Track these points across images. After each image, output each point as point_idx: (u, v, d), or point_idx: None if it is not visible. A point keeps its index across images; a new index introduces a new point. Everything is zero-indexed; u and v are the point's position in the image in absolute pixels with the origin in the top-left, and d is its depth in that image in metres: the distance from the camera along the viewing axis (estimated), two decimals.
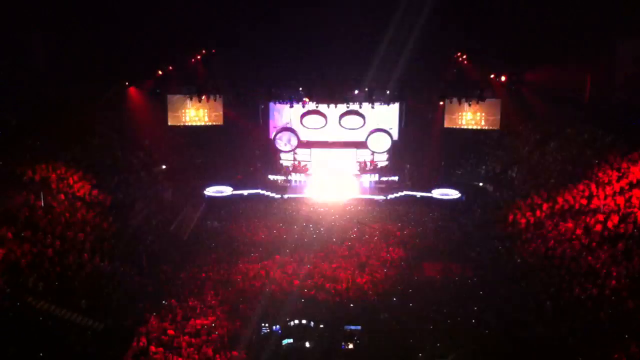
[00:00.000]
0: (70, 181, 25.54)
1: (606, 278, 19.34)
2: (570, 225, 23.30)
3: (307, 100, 33.63)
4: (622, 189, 23.57)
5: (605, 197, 23.55)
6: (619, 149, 26.21)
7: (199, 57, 33.47)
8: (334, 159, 34.98)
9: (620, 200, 22.82)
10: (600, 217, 22.50)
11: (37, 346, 16.51)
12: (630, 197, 22.67)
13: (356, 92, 33.58)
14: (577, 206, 24.36)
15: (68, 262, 20.30)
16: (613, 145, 26.92)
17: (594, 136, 28.46)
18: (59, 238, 21.13)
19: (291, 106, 34.18)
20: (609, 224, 21.87)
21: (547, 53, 30.10)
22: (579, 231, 22.57)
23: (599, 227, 22.09)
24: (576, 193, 25.06)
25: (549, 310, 19.32)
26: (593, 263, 20.36)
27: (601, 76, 29.67)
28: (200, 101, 33.47)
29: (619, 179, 24.20)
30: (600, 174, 25.31)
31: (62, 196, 24.15)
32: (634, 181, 23.48)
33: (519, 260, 23.15)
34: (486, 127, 33.68)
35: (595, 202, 23.70)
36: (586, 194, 24.61)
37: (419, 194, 31.78)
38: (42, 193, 22.90)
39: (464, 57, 33.34)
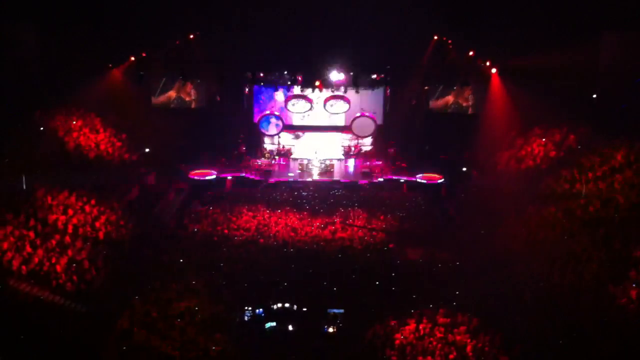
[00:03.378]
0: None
1: (587, 262, 19.53)
2: (552, 209, 23.48)
3: (291, 84, 33.53)
4: (604, 173, 23.78)
5: (588, 182, 23.75)
6: (602, 134, 26.40)
7: (183, 39, 33.21)
8: (319, 143, 34.95)
9: (603, 185, 23.02)
10: (582, 202, 22.70)
11: (18, 329, 16.44)
12: (613, 182, 22.88)
13: (341, 76, 33.54)
14: (559, 190, 24.56)
15: (50, 245, 20.21)
16: (596, 131, 27.13)
17: (577, 122, 28.64)
18: (41, 221, 21.02)
19: (276, 90, 34.08)
20: (591, 209, 22.08)
21: (531, 40, 30.15)
22: (560, 215, 22.76)
23: (580, 212, 22.30)
24: (558, 178, 25.25)
25: (528, 296, 19.50)
26: (574, 247, 20.55)
27: (585, 63, 29.82)
28: (184, 84, 33.25)
29: (601, 164, 24.38)
30: (582, 160, 25.49)
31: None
32: (616, 166, 23.70)
33: (500, 245, 23.33)
34: (470, 112, 33.83)
35: (577, 187, 23.90)
36: (569, 178, 24.80)
37: (402, 179, 31.88)
38: (23, 176, 22.74)
39: (449, 42, 33.32)
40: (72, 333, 17.27)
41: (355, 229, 25.78)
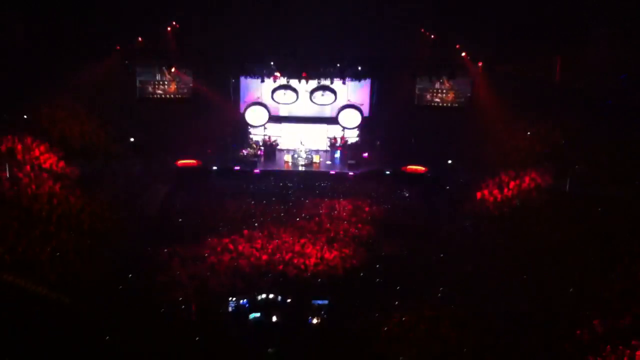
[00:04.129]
0: (37, 152, 25.20)
1: (572, 256, 19.72)
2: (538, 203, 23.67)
3: (278, 75, 33.44)
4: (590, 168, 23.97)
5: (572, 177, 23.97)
6: (586, 129, 26.56)
7: (169, 29, 33.01)
8: (305, 134, 34.94)
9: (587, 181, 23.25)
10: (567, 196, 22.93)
11: (1, 318, 16.35)
12: (598, 177, 23.09)
13: (328, 67, 33.51)
14: (543, 185, 24.73)
15: (34, 235, 20.09)
16: (581, 126, 27.29)
17: (562, 117, 28.78)
18: (25, 210, 20.90)
19: (262, 81, 33.98)
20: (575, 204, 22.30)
21: (518, 33, 30.22)
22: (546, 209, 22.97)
23: (564, 206, 22.51)
24: (543, 171, 25.43)
25: (513, 287, 19.65)
26: (560, 239, 20.73)
27: (573, 58, 29.95)
28: (170, 74, 33.08)
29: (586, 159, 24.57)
30: (568, 154, 25.66)
31: (28, 167, 23.84)
32: (604, 162, 23.88)
33: (486, 238, 23.47)
34: (456, 105, 33.91)
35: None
36: (554, 172, 24.98)
37: (388, 171, 31.92)
38: (7, 164, 22.59)
39: (436, 35, 33.33)
40: (55, 326, 17.19)
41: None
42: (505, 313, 18.32)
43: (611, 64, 27.92)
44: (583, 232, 20.69)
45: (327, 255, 22.45)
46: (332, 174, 32.21)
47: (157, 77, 33.29)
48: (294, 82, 33.93)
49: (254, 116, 34.70)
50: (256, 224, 25.39)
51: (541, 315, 17.82)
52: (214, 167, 31.72)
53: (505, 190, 25.84)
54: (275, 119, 35.01)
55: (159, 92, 33.63)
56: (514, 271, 20.46)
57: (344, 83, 33.71)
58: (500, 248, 22.27)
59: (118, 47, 31.51)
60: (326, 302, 19.50)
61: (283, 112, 35.22)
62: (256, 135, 35.19)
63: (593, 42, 29.56)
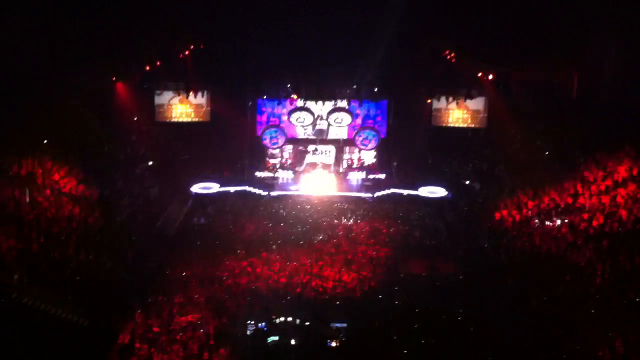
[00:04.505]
0: (57, 176, 25.40)
1: (591, 276, 19.50)
2: (556, 223, 23.45)
3: (295, 97, 33.60)
4: (607, 187, 23.74)
5: (591, 197, 23.73)
6: (606, 147, 26.36)
7: (187, 52, 33.34)
8: (322, 156, 34.97)
9: (606, 199, 22.99)
10: (585, 216, 22.68)
11: (21, 342, 16.39)
12: (615, 196, 22.85)
13: (345, 89, 33.67)
14: (562, 205, 24.53)
15: (54, 257, 20.19)
16: (600, 144, 27.08)
17: (581, 134, 28.59)
18: (45, 233, 21.02)
19: (279, 103, 34.13)
20: (594, 223, 22.05)
21: (534, 49, 30.19)
22: (564, 229, 22.73)
23: (584, 226, 22.27)
24: (562, 191, 25.23)
25: (534, 307, 19.44)
26: (578, 261, 20.51)
27: (589, 73, 29.82)
28: (187, 97, 33.37)
29: (604, 178, 24.35)
30: (586, 173, 25.45)
31: (48, 191, 24.02)
32: (619, 180, 23.66)
33: (504, 258, 23.29)
34: (473, 125, 33.85)
35: (580, 201, 23.88)
36: (571, 192, 24.78)
37: (405, 192, 31.82)
38: (27, 188, 22.78)
39: (452, 55, 33.39)
40: (74, 346, 17.23)
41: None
42: (525, 332, 18.13)
43: (628, 76, 27.81)
44: (602, 252, 20.46)
45: (345, 277, 22.36)
46: (349, 195, 32.13)
47: (175, 100, 33.57)
48: (310, 104, 34.04)
49: (271, 138, 34.76)
50: (274, 247, 25.37)
51: (562, 335, 17.60)
52: (232, 190, 31.75)
53: (524, 210, 25.65)
54: (292, 141, 35.07)
55: (177, 114, 33.89)
56: (534, 291, 20.24)
57: (360, 105, 33.73)
58: (519, 267, 22.07)
59: (137, 70, 31.79)
60: (345, 324, 19.35)
61: (300, 134, 35.25)
62: (273, 157, 35.20)
63: (611, 57, 29.47)
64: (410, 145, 34.86)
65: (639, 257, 19.20)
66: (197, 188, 31.50)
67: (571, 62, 29.96)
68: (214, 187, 31.71)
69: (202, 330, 18.58)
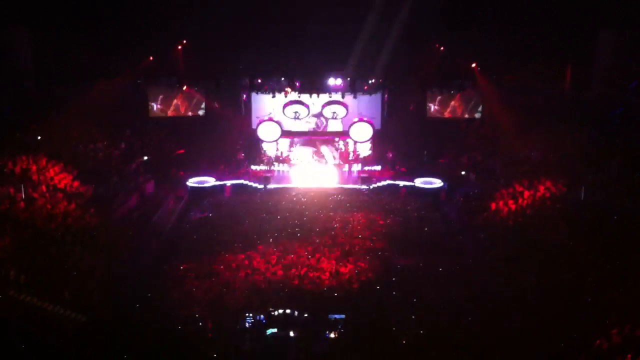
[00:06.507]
0: (51, 173, 25.37)
1: (588, 266, 19.55)
2: (552, 213, 23.51)
3: (289, 90, 33.57)
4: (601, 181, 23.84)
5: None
6: (597, 140, 26.46)
7: (179, 47, 33.26)
8: (316, 148, 34.97)
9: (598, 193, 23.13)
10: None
11: (17, 339, 16.38)
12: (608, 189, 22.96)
13: (339, 81, 33.66)
14: (557, 194, 24.60)
15: (49, 254, 20.15)
16: (591, 137, 27.18)
17: (572, 127, 28.66)
18: (40, 230, 20.99)
19: (273, 96, 34.09)
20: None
21: (528, 44, 30.24)
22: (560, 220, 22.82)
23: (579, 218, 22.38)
24: (557, 181, 25.30)
25: (530, 298, 19.48)
26: (575, 251, 20.57)
27: (581, 68, 29.89)
28: (181, 92, 33.32)
29: (597, 172, 24.44)
30: (578, 166, 25.56)
31: (43, 188, 23.98)
32: (613, 174, 23.75)
33: (500, 249, 23.33)
34: (467, 117, 33.94)
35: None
36: (566, 182, 24.85)
37: (401, 184, 31.85)
38: (22, 185, 22.73)
39: (446, 47, 33.41)
40: (70, 344, 17.19)
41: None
42: (521, 324, 18.16)
43: (620, 74, 27.87)
44: (599, 241, 20.51)
45: (342, 269, 22.38)
46: (345, 187, 32.14)
47: (169, 95, 33.53)
48: (305, 97, 34.02)
49: (266, 132, 34.71)
50: (271, 240, 25.38)
51: (558, 326, 17.64)
52: (228, 183, 31.72)
53: (520, 200, 25.71)
54: (287, 134, 35.04)
55: (171, 109, 33.86)
56: (529, 282, 20.27)
57: (355, 97, 33.72)
58: (514, 258, 22.11)
59: (131, 67, 31.74)
60: (342, 316, 19.39)
61: (295, 127, 35.21)
62: (269, 150, 35.17)
63: (602, 52, 29.56)
64: (405, 136, 34.81)
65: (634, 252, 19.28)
66: (192, 182, 31.44)
67: (564, 55, 30.04)
68: (209, 181, 31.67)
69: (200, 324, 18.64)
